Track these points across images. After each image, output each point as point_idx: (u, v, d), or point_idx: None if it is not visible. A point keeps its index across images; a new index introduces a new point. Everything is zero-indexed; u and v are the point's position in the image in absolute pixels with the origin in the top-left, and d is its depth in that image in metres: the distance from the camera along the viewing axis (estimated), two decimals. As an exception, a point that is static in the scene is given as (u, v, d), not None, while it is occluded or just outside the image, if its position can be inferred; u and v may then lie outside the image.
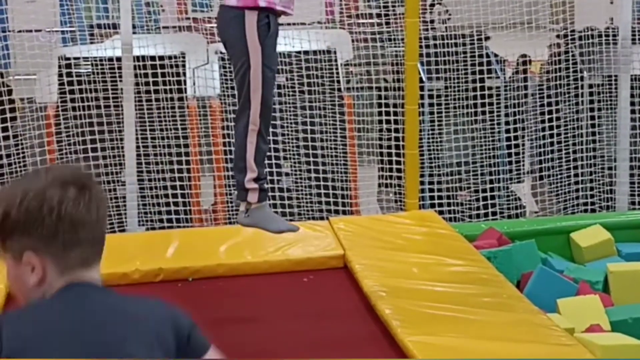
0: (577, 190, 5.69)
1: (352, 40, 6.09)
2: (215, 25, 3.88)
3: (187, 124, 5.43)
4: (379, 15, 6.71)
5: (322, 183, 5.43)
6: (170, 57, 5.45)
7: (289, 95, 5.56)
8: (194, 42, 5.86)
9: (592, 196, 5.70)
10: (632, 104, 5.79)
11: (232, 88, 5.37)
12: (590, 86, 5.96)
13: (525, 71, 6.29)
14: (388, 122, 5.49)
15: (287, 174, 5.53)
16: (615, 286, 4.28)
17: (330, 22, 7.53)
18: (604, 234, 4.80)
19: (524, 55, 6.28)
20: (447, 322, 3.28)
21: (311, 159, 5.47)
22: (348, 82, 6.00)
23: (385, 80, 5.92)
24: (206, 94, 5.54)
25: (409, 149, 4.82)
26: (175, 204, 5.29)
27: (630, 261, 4.60)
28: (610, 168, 5.72)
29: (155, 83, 5.35)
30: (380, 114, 5.60)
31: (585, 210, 5.62)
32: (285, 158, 5.52)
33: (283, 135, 5.48)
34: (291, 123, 5.52)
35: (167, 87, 5.40)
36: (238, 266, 3.96)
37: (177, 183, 5.33)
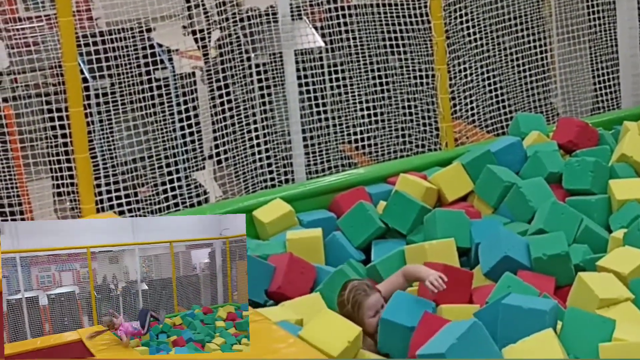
0: (256, 168, 5.80)
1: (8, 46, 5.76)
2: None
3: None
4: (38, 17, 6.38)
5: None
6: None
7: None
8: None
9: (271, 172, 5.84)
10: (299, 77, 6.01)
11: None
12: (258, 65, 6.09)
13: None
14: (54, 128, 5.25)
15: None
16: (295, 253, 4.42)
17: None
18: (284, 207, 4.92)
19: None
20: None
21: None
22: (13, 91, 5.67)
23: (54, 85, 5.68)
24: None
25: (79, 152, 4.69)
26: None
27: (310, 228, 4.77)
28: (285, 142, 5.90)
29: None
30: (44, 120, 5.35)
31: (266, 187, 5.75)
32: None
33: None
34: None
35: None
36: None
37: None
